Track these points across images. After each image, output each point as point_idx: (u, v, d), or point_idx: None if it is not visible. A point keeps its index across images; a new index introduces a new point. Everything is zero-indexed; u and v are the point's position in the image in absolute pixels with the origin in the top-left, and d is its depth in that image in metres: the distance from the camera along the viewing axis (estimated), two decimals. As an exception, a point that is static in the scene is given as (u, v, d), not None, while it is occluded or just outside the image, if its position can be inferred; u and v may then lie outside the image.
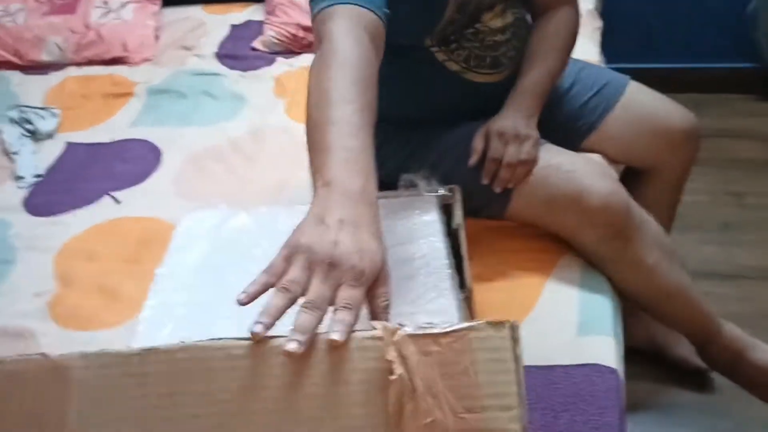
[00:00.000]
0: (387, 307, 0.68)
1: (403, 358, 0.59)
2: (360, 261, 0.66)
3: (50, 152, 1.69)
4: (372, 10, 0.92)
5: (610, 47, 1.87)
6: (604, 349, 1.05)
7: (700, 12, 2.26)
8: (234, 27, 2.13)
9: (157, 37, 2.10)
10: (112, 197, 1.52)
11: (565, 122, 1.33)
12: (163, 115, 1.79)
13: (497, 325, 0.60)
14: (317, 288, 0.65)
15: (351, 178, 0.72)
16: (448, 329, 0.60)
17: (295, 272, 0.66)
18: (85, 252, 1.38)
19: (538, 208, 1.17)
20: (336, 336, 0.61)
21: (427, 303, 0.85)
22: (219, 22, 2.15)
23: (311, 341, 0.61)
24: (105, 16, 2.06)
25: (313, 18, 0.95)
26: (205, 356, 0.61)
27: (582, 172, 1.15)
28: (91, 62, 2.02)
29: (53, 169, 1.64)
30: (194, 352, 0.62)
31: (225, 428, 0.60)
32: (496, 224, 1.23)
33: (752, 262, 1.81)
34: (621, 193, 1.16)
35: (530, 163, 1.17)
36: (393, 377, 0.58)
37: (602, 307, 1.13)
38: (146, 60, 2.02)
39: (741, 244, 1.87)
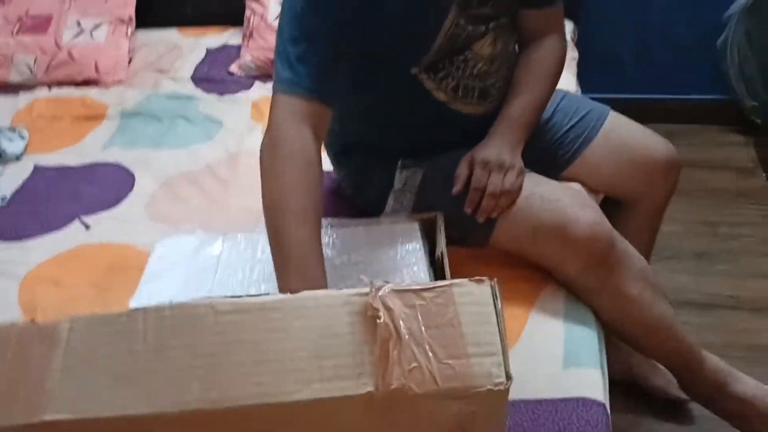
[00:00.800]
0: None
1: (389, 310, 0.61)
2: None
3: (17, 175, 1.64)
4: (314, 99, 1.02)
5: (583, 77, 1.88)
6: (591, 382, 1.03)
7: (673, 44, 2.30)
8: (210, 51, 2.11)
9: (130, 60, 2.06)
10: (82, 222, 1.48)
11: (546, 151, 1.32)
12: (136, 138, 1.75)
13: (478, 281, 0.64)
14: None
15: (306, 284, 0.86)
16: (431, 285, 0.63)
17: None
18: (52, 279, 1.33)
19: (522, 238, 1.16)
20: None
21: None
22: (194, 46, 2.12)
23: None
24: (77, 37, 2.02)
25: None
26: (191, 313, 0.63)
27: (566, 202, 1.15)
28: (61, 83, 1.97)
29: (20, 193, 1.59)
30: (181, 309, 0.63)
31: (210, 379, 0.60)
32: (479, 252, 1.21)
33: (726, 291, 1.82)
34: (605, 223, 1.15)
35: (514, 193, 1.15)
36: (379, 321, 0.60)
37: (587, 338, 1.11)
38: (119, 82, 1.98)
39: (715, 274, 1.88)
